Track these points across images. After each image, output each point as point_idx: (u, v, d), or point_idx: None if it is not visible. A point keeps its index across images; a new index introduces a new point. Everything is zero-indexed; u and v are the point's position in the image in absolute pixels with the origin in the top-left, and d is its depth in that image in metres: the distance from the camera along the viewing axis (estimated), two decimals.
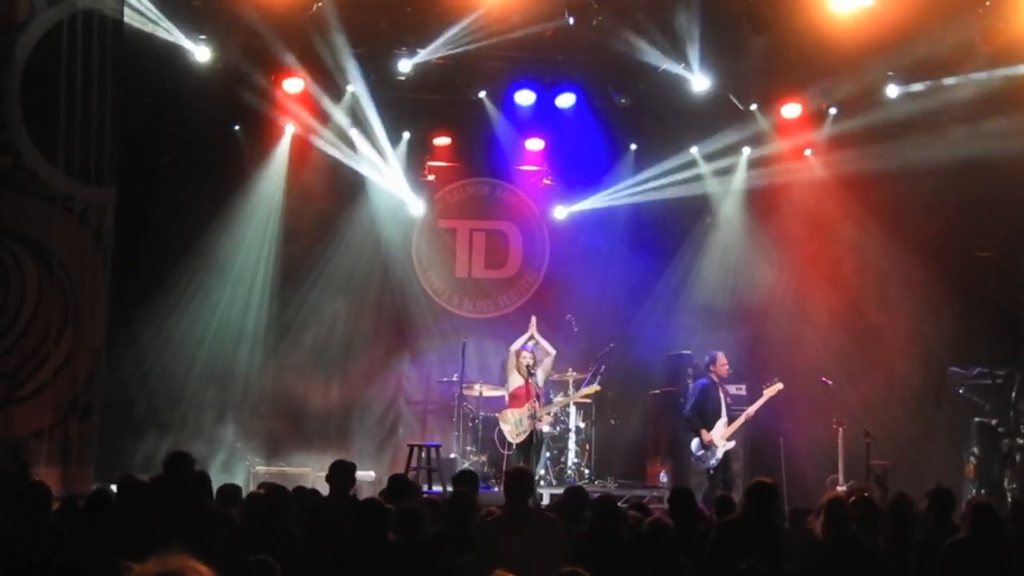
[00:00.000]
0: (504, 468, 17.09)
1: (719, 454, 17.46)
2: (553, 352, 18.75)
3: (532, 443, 18.09)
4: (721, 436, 17.48)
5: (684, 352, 20.76)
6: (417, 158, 21.97)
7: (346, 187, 21.29)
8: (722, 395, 17.73)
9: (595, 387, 19.72)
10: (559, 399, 19.74)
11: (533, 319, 19.04)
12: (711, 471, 17.49)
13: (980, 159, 19.20)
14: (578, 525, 10.14)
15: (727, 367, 17.88)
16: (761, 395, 17.75)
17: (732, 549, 9.60)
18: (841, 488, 16.79)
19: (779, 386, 17.71)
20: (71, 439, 16.89)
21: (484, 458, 19.48)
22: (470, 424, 19.82)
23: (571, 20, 18.15)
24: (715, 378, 17.79)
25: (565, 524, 9.98)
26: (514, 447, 18.06)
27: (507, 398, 18.62)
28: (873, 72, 19.11)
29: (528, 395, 18.15)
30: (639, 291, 21.87)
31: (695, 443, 17.66)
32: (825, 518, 9.83)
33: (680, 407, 20.12)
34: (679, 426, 20.23)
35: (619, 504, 11.16)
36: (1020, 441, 18.54)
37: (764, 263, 21.49)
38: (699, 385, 18.02)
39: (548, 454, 19.64)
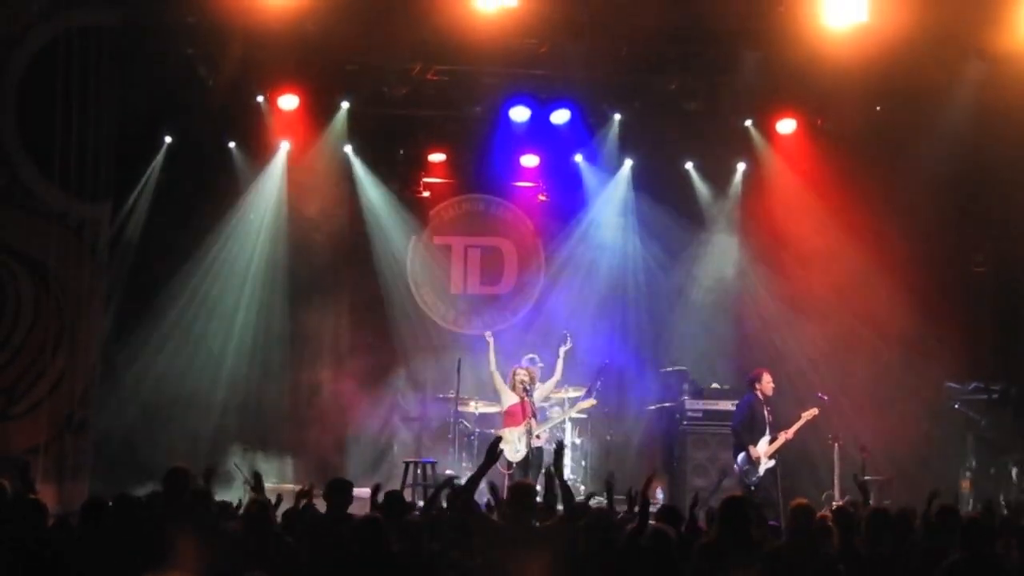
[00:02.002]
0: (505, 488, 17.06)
1: (761, 471, 17.45)
2: (559, 377, 18.71)
3: (531, 461, 18.03)
4: (765, 453, 17.49)
5: (680, 368, 20.78)
6: (412, 174, 21.96)
7: (340, 204, 21.27)
8: (766, 413, 17.72)
9: (591, 401, 19.63)
10: (555, 412, 19.69)
11: (488, 335, 18.95)
12: (752, 487, 17.41)
13: (975, 174, 19.26)
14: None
15: (772, 385, 17.85)
16: (799, 418, 17.73)
17: (710, 568, 9.58)
18: (837, 503, 16.79)
19: (815, 411, 17.74)
20: (67, 455, 16.92)
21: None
22: (466, 440, 19.79)
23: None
24: (760, 395, 17.79)
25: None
26: (514, 466, 18.02)
27: (502, 416, 18.55)
28: (867, 87, 19.12)
29: (524, 413, 18.10)
30: (636, 306, 21.87)
31: (741, 457, 17.62)
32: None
33: (676, 422, 20.19)
34: (675, 441, 20.30)
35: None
36: (1016, 456, 18.57)
37: (759, 278, 21.49)
38: (746, 401, 17.98)
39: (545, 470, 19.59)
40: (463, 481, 13.11)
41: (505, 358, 18.84)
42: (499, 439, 10.68)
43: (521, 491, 10.31)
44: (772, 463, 17.47)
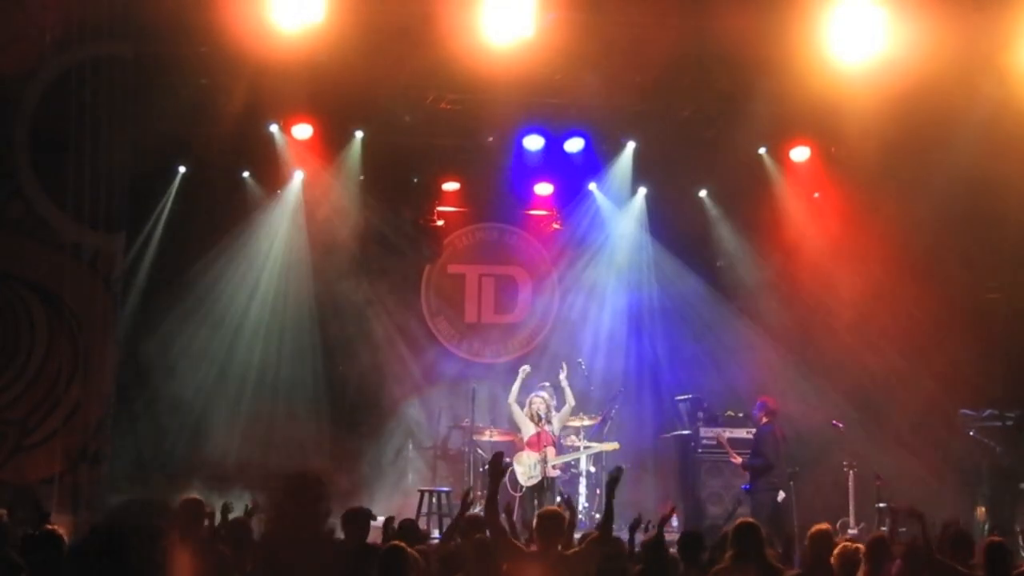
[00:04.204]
0: (515, 511, 17.04)
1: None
2: (573, 403, 18.71)
3: (543, 487, 18.04)
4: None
5: (695, 396, 20.75)
6: (426, 203, 21.97)
7: (353, 233, 21.27)
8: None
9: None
10: (572, 441, 19.67)
11: (524, 368, 18.98)
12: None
13: (988, 200, 19.24)
14: None
15: (757, 415, 18.14)
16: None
17: None
18: (852, 531, 16.78)
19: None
20: (81, 486, 16.91)
21: None
22: (481, 469, 19.76)
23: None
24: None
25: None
26: (525, 489, 18.02)
27: (520, 443, 18.56)
28: (881, 115, 19.10)
29: (542, 442, 18.11)
30: (650, 333, 21.87)
31: None
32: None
33: (691, 450, 20.22)
34: (689, 469, 20.31)
35: None
36: None
37: (773, 305, 21.49)
38: None
39: (559, 499, 19.57)
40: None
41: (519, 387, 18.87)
42: (501, 454, 10.73)
43: (549, 516, 10.36)
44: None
